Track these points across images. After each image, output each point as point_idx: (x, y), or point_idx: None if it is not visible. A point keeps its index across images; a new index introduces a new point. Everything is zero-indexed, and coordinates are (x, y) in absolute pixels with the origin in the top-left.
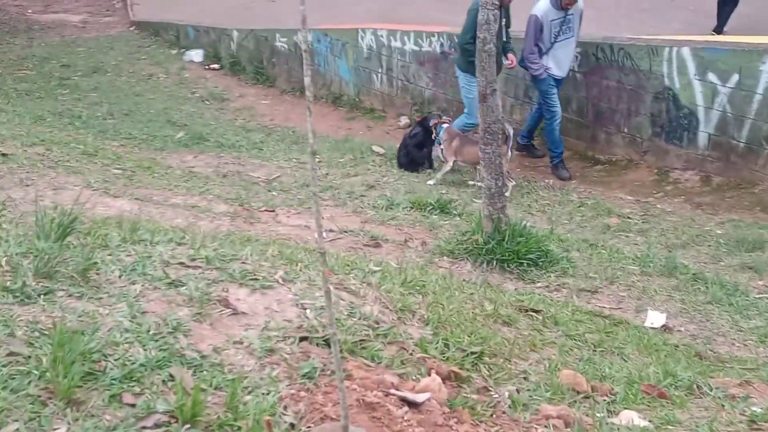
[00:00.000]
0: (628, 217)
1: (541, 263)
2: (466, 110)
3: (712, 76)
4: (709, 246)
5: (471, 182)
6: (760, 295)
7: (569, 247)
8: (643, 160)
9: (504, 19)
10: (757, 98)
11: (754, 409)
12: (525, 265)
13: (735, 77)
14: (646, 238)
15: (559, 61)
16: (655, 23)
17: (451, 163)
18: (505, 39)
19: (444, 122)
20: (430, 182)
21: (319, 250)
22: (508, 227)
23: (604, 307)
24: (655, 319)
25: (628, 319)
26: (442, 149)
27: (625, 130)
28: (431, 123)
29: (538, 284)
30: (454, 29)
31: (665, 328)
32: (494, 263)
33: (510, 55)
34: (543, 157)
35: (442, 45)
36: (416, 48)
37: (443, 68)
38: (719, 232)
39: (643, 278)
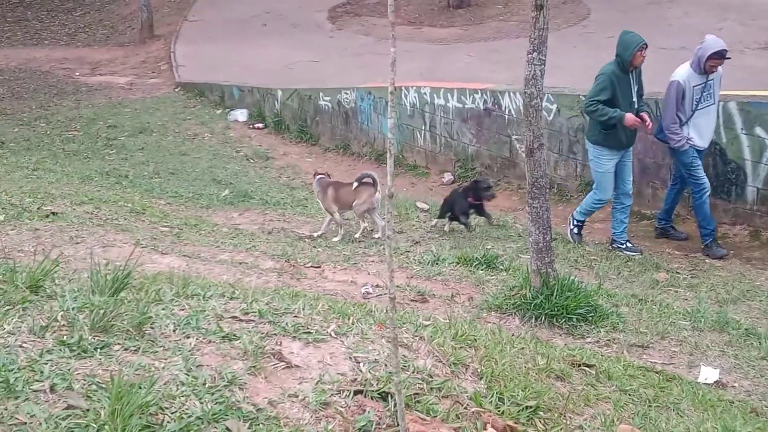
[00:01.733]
0: (677, 272)
1: (590, 318)
2: (594, 186)
3: (759, 131)
4: (761, 301)
5: (377, 236)
6: None
7: (618, 302)
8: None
9: (636, 85)
10: None
11: None
12: (574, 320)
13: None
14: (695, 293)
15: (700, 131)
16: None
17: (336, 215)
18: (638, 104)
19: (321, 173)
20: (335, 239)
21: (389, 295)
22: (557, 282)
23: (656, 362)
24: (708, 374)
25: (681, 375)
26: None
27: None
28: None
29: (588, 339)
30: (497, 86)
31: (719, 383)
32: (543, 318)
33: (643, 114)
34: (686, 240)
35: (485, 102)
36: (459, 105)
37: (486, 125)
38: None
39: (694, 333)
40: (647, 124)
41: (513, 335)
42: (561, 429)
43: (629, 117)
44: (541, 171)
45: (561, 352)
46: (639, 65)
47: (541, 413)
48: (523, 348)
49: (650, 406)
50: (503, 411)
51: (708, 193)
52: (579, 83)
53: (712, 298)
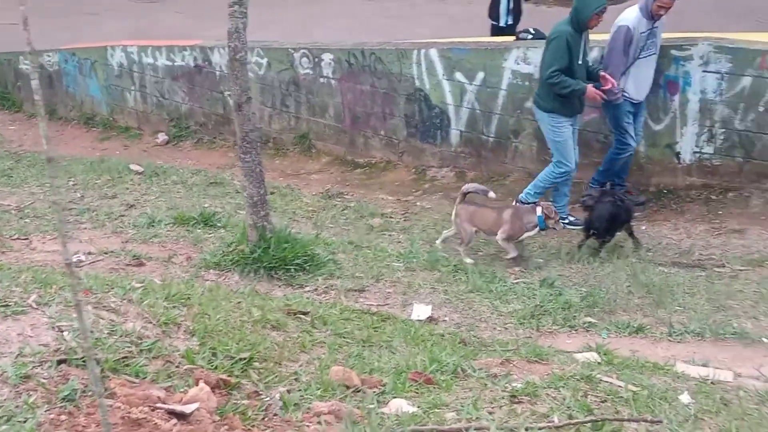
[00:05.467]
0: (391, 217)
1: (308, 267)
2: (554, 158)
3: (459, 76)
4: None
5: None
6: (517, 281)
7: (335, 249)
8: (401, 160)
9: (585, 44)
10: (502, 94)
11: (514, 384)
12: (292, 270)
13: (480, 75)
14: (408, 236)
15: (639, 82)
16: (404, 29)
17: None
18: (589, 64)
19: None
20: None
21: (66, 261)
22: (273, 235)
23: (371, 304)
24: (420, 311)
25: (395, 314)
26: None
27: (382, 133)
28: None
29: (307, 288)
30: (206, 42)
31: (431, 319)
32: (262, 271)
33: (605, 75)
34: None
35: (195, 59)
36: (169, 63)
37: (198, 82)
38: None
39: (407, 274)
40: (612, 85)
41: (231, 291)
42: (275, 377)
43: (591, 91)
44: (250, 125)
45: (277, 302)
46: (594, 26)
47: (256, 364)
48: (239, 302)
49: (363, 346)
50: (216, 365)
51: (629, 154)
52: (291, 36)
53: (424, 239)
